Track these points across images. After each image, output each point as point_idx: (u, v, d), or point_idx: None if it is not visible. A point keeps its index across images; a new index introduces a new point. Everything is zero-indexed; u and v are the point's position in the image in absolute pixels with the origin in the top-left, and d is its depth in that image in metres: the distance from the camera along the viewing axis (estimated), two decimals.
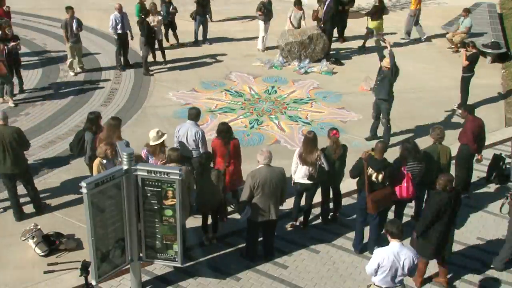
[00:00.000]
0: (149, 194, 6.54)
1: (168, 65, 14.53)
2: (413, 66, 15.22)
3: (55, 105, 12.10)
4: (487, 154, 10.32)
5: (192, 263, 7.69)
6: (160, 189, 6.48)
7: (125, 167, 6.35)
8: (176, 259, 6.89)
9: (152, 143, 8.02)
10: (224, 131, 8.27)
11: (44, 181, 9.42)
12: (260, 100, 12.87)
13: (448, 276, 7.60)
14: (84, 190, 5.99)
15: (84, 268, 6.12)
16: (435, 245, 7.15)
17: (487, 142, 11.16)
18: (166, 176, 6.39)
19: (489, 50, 15.61)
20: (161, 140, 8.01)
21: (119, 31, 13.65)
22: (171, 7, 15.36)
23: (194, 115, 8.56)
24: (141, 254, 6.93)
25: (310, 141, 7.99)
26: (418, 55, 16.02)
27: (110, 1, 16.76)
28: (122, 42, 13.91)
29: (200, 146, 8.46)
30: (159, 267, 7.54)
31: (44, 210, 8.66)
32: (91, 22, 16.77)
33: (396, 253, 6.05)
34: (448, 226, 7.12)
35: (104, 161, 7.53)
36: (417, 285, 7.52)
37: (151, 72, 13.99)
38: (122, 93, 12.89)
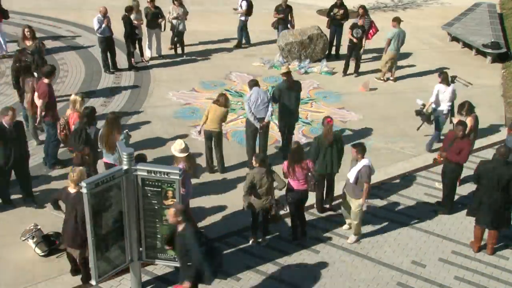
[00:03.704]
0: (149, 194, 6.55)
1: (168, 65, 14.54)
2: (413, 66, 15.22)
3: None
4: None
5: None
6: (160, 189, 6.50)
7: (125, 167, 6.37)
8: (176, 259, 6.89)
9: (177, 154, 7.81)
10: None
11: (45, 180, 9.43)
12: None
13: None
14: (84, 190, 6.00)
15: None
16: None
17: (487, 142, 11.26)
18: (166, 176, 6.40)
19: (489, 50, 15.61)
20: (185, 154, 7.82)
21: (107, 34, 13.29)
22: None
23: (255, 82, 10.14)
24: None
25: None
26: (418, 55, 16.00)
27: (111, 1, 16.75)
28: (108, 45, 13.57)
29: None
30: (159, 267, 7.54)
31: None
32: (92, 22, 16.73)
33: None
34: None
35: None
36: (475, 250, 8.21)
37: (136, 65, 14.14)
38: (122, 93, 12.89)
